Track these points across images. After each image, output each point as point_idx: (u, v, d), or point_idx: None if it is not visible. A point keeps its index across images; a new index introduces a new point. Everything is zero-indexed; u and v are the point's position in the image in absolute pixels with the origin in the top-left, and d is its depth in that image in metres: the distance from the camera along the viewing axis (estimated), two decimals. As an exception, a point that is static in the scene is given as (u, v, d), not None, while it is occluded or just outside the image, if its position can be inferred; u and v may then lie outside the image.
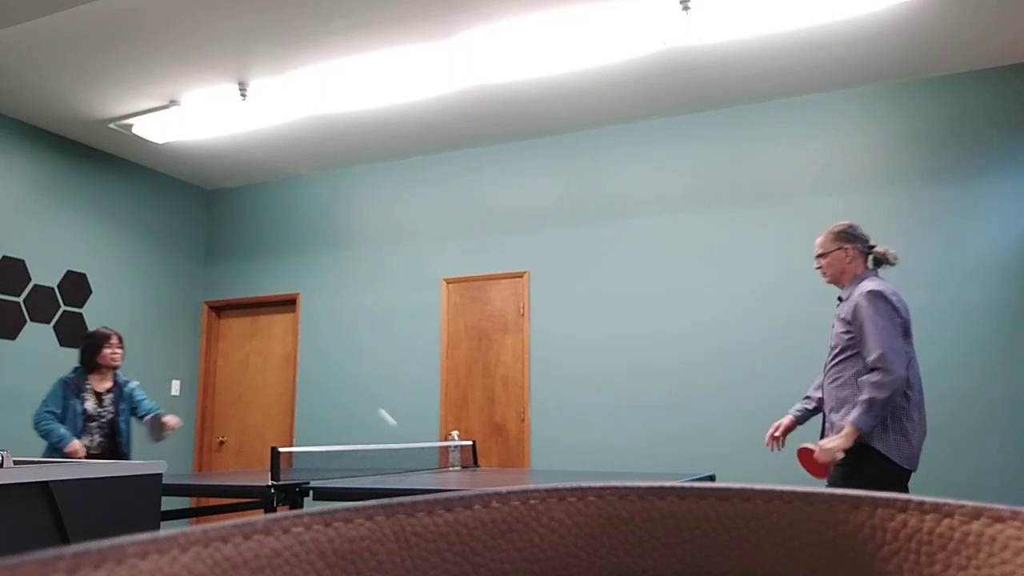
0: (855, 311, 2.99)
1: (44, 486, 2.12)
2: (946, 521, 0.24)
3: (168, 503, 6.30)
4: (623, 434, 5.49)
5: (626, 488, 0.27)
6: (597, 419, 5.58)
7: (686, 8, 4.16)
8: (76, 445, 4.06)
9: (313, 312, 6.77)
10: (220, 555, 0.21)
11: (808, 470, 3.06)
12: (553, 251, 5.94)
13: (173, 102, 5.46)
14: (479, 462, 5.68)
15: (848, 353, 3.03)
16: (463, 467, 4.71)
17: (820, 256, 3.18)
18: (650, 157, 5.75)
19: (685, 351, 5.39)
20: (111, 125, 5.84)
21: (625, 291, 5.65)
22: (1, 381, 5.52)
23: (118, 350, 4.34)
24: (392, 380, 6.31)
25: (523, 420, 5.82)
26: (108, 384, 4.35)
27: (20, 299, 5.69)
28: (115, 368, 4.36)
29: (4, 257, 5.62)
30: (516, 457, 5.82)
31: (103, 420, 4.28)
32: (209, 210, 7.43)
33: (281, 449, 3.35)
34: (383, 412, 4.29)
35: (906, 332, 2.98)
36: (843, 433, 2.90)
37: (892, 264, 3.16)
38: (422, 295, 6.33)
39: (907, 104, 5.12)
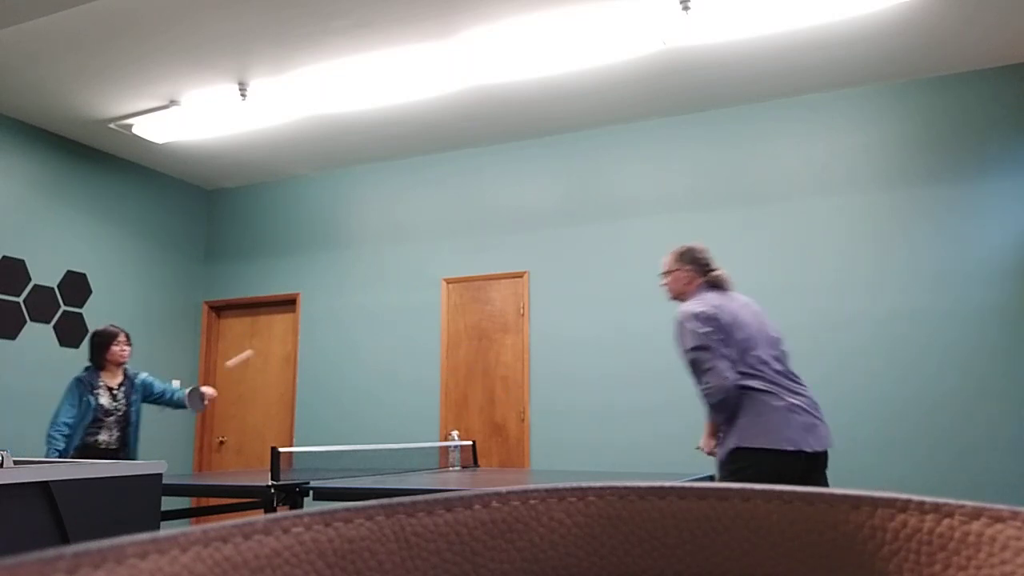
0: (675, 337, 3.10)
1: (44, 486, 2.12)
2: (946, 521, 0.24)
3: (168, 503, 6.30)
4: (623, 434, 5.49)
5: (626, 488, 0.27)
6: (597, 419, 5.58)
7: (686, 8, 4.16)
8: None
9: (313, 312, 6.77)
10: (220, 555, 0.21)
11: None
12: (553, 251, 5.94)
13: (173, 102, 5.46)
14: (479, 462, 5.68)
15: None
16: (463, 467, 4.71)
17: (664, 274, 3.26)
18: (650, 157, 5.75)
19: (685, 351, 5.39)
20: (111, 125, 5.84)
21: (625, 291, 5.65)
22: (1, 381, 5.52)
23: (126, 347, 4.48)
24: (392, 380, 6.31)
25: (523, 420, 5.82)
26: (119, 379, 4.48)
27: (20, 299, 5.69)
28: (123, 364, 4.50)
29: (4, 257, 5.62)
30: (516, 457, 5.82)
31: (119, 414, 4.40)
32: (209, 210, 7.43)
33: (281, 449, 3.35)
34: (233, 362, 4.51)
35: (730, 331, 2.96)
36: (708, 436, 3.13)
37: (727, 290, 3.18)
38: (422, 295, 6.33)
39: (907, 104, 5.12)
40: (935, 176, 4.97)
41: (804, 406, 2.92)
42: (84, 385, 4.32)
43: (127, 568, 0.19)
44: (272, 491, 3.25)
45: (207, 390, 4.59)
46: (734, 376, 2.91)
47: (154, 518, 2.45)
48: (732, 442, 2.90)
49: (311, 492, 3.24)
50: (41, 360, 5.79)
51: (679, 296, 3.22)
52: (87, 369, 4.43)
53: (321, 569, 0.23)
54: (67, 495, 2.16)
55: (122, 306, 6.46)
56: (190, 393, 4.52)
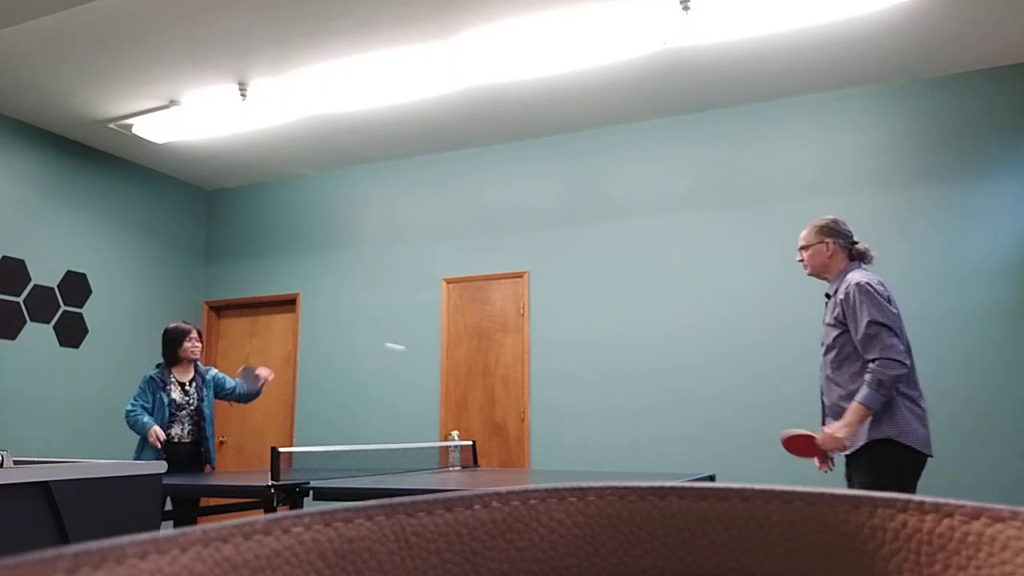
0: (846, 304, 3.00)
1: (44, 486, 2.12)
2: (946, 521, 0.24)
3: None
4: (623, 434, 5.49)
5: (626, 488, 0.27)
6: (597, 419, 5.58)
7: (686, 8, 4.16)
8: (154, 431, 4.30)
9: (313, 312, 6.77)
10: (220, 555, 0.21)
11: (799, 454, 3.09)
12: (553, 251, 5.94)
13: (173, 102, 5.46)
14: (479, 462, 5.68)
15: (842, 355, 3.03)
16: (463, 467, 4.71)
17: (802, 248, 3.21)
18: (650, 157, 5.75)
19: (685, 351, 5.39)
20: (111, 125, 5.84)
21: (625, 291, 5.65)
22: (1, 381, 5.51)
23: (197, 343, 4.58)
24: (392, 380, 6.31)
25: (523, 420, 5.82)
26: (190, 375, 4.58)
27: (20, 299, 5.69)
28: (195, 360, 4.59)
29: (4, 257, 5.62)
30: (516, 457, 5.82)
31: (191, 408, 4.51)
32: (209, 210, 7.43)
33: (281, 449, 3.35)
34: (389, 345, 4.57)
35: (899, 322, 3.01)
36: (847, 418, 2.90)
37: (868, 264, 3.19)
38: (422, 295, 6.33)
39: (907, 104, 5.12)
40: (935, 176, 4.97)
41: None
42: (155, 383, 4.43)
43: (127, 568, 0.19)
44: (272, 491, 3.25)
45: (262, 371, 4.64)
46: (907, 363, 2.89)
47: (154, 518, 2.45)
48: (886, 432, 2.88)
49: (311, 492, 3.24)
50: (41, 360, 5.79)
51: (820, 271, 3.17)
52: (158, 366, 4.53)
53: (321, 569, 0.23)
54: (67, 495, 2.16)
55: (122, 306, 6.46)
56: (243, 372, 4.59)
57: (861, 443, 2.92)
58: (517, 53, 4.63)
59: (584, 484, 0.27)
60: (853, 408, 2.88)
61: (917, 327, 4.84)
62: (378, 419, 6.31)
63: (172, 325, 4.60)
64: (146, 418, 4.30)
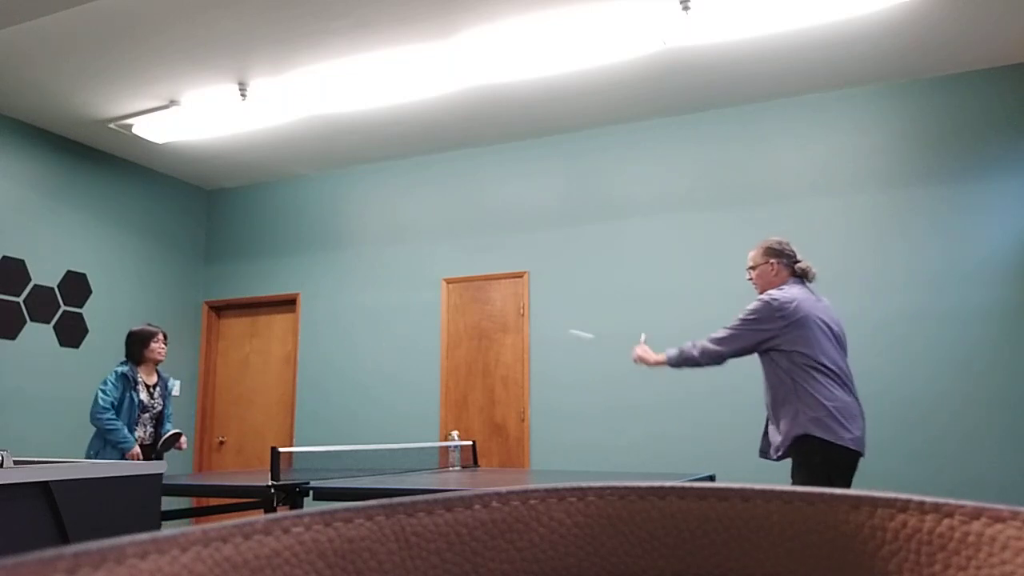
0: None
1: (44, 486, 2.12)
2: (946, 521, 0.24)
3: (168, 503, 6.30)
4: (623, 434, 5.49)
5: (626, 488, 0.27)
6: (597, 419, 5.58)
7: (686, 8, 4.16)
8: (136, 451, 4.32)
9: (313, 312, 6.77)
10: (220, 555, 0.21)
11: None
12: (553, 251, 5.94)
13: (173, 102, 5.46)
14: (479, 462, 5.68)
15: (765, 358, 3.30)
16: (463, 467, 4.71)
17: (750, 268, 3.47)
18: (650, 157, 5.75)
19: (685, 351, 5.39)
20: (111, 125, 5.84)
21: (625, 291, 5.65)
22: (1, 381, 5.51)
23: (163, 346, 4.61)
24: (392, 380, 6.31)
25: (523, 420, 5.82)
26: (154, 379, 4.61)
27: (20, 299, 5.69)
28: (159, 362, 4.62)
29: (4, 257, 5.61)
30: (516, 457, 5.82)
31: (154, 411, 4.54)
32: (209, 210, 7.43)
33: (281, 449, 3.35)
34: (575, 332, 4.63)
35: (803, 325, 3.17)
36: (655, 357, 3.41)
37: (810, 281, 3.42)
38: (422, 295, 6.33)
39: (907, 104, 5.12)
40: (935, 176, 4.97)
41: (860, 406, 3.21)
42: (128, 380, 4.43)
43: (127, 568, 0.19)
44: (272, 491, 3.25)
45: (183, 441, 4.55)
46: (719, 363, 3.32)
47: (154, 518, 2.45)
48: (801, 429, 3.06)
49: (311, 492, 3.24)
50: (41, 360, 5.79)
51: (766, 288, 3.42)
52: (126, 364, 4.52)
53: (321, 569, 0.23)
54: (67, 495, 2.16)
55: (122, 306, 6.46)
56: (167, 438, 4.49)
57: (780, 444, 3.14)
58: (517, 53, 4.63)
59: (584, 484, 0.27)
60: (658, 357, 3.43)
61: (917, 327, 4.85)
62: (378, 419, 6.31)
63: (137, 328, 4.63)
64: (127, 430, 4.32)
